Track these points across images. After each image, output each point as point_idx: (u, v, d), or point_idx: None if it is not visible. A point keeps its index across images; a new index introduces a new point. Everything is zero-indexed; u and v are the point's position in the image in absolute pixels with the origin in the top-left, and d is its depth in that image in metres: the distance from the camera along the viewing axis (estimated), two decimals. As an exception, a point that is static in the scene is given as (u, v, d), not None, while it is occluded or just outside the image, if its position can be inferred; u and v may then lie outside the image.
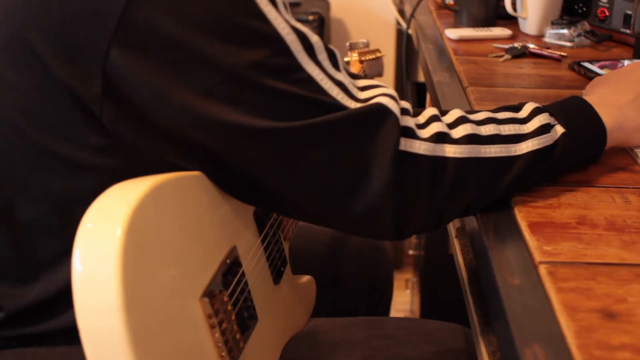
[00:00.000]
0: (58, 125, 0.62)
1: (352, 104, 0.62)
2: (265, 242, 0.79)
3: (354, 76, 0.66)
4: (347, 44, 1.26)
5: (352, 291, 1.12)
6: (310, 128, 0.60)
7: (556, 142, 0.67)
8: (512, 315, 0.53)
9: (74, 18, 0.57)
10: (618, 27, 1.23)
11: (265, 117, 0.59)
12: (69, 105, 0.60)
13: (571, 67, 1.10)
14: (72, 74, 0.58)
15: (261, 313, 0.73)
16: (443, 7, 1.52)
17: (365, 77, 1.23)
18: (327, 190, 0.62)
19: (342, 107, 0.61)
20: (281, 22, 0.60)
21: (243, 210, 0.73)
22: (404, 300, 2.08)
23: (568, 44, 1.23)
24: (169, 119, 0.59)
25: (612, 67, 1.06)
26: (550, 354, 0.48)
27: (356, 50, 1.26)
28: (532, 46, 1.20)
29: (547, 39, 1.26)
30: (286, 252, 0.88)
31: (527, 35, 1.33)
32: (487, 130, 0.66)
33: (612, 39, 1.25)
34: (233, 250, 0.68)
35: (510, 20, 1.36)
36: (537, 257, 0.59)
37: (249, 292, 0.70)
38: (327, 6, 2.14)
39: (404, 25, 1.55)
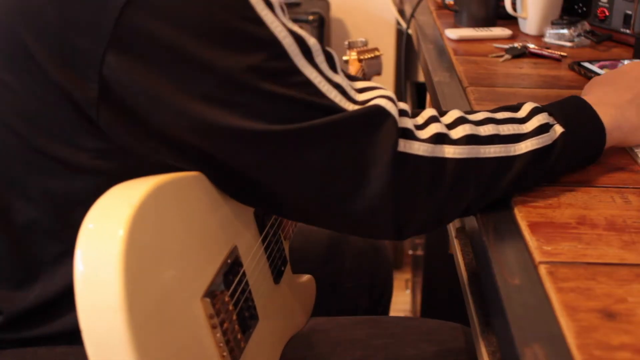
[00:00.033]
0: (55, 128, 0.62)
1: (350, 106, 0.62)
2: (266, 242, 0.79)
3: (351, 78, 0.66)
4: (346, 42, 1.26)
5: (351, 290, 1.12)
6: (308, 130, 0.60)
7: (555, 141, 0.68)
8: (512, 315, 0.53)
9: (71, 22, 0.57)
10: (618, 27, 1.23)
11: (263, 121, 0.59)
12: (66, 108, 0.60)
13: (571, 67, 1.10)
14: (69, 77, 0.58)
15: (262, 313, 0.74)
16: (443, 7, 1.52)
17: (364, 76, 1.24)
18: (326, 192, 0.62)
19: (340, 109, 0.61)
20: (278, 25, 0.60)
21: (243, 210, 0.73)
22: (404, 300, 2.08)
23: (568, 44, 1.23)
24: (166, 123, 0.59)
25: (612, 67, 1.07)
26: (550, 354, 0.48)
27: (355, 49, 1.26)
28: (532, 46, 1.20)
29: (547, 39, 1.26)
30: (286, 251, 0.88)
31: (527, 35, 1.33)
32: (486, 130, 0.66)
33: (612, 39, 1.25)
34: (234, 250, 0.68)
35: (510, 20, 1.36)
36: (537, 257, 0.59)
37: (249, 292, 0.70)
38: (327, 6, 2.14)
39: (404, 25, 1.56)
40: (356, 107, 0.62)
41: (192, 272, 0.60)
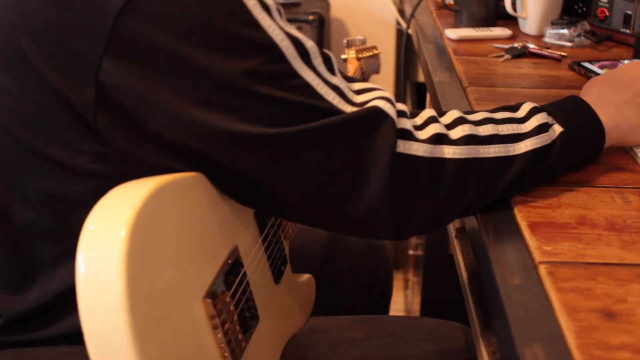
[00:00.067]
0: (52, 131, 0.62)
1: (348, 108, 0.62)
2: (266, 242, 0.79)
3: (349, 79, 0.66)
4: (344, 41, 1.26)
5: (351, 290, 1.12)
6: (306, 133, 0.60)
7: (554, 141, 0.68)
8: (512, 315, 0.53)
9: (67, 26, 0.57)
10: (618, 27, 1.23)
11: (260, 124, 0.59)
12: (63, 111, 0.60)
13: (571, 67, 1.10)
14: (65, 81, 0.58)
15: (262, 312, 0.74)
16: (443, 7, 1.52)
17: (363, 74, 1.24)
18: (325, 194, 0.62)
19: (338, 111, 0.61)
20: (275, 28, 0.60)
21: (244, 210, 0.73)
22: (404, 300, 2.08)
23: (568, 44, 1.23)
24: (164, 127, 0.59)
25: (612, 67, 1.07)
26: (550, 354, 0.48)
27: (353, 48, 1.25)
28: (532, 46, 1.20)
29: (547, 39, 1.26)
30: (286, 251, 0.88)
31: (527, 35, 1.33)
32: (486, 130, 0.66)
33: (612, 39, 1.25)
34: (235, 251, 0.68)
35: (510, 20, 1.36)
36: (537, 257, 0.59)
37: (250, 292, 0.71)
38: (327, 6, 2.14)
39: (404, 25, 1.56)
40: (354, 108, 0.62)
41: (193, 272, 0.60)
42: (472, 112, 0.70)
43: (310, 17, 1.95)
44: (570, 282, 0.55)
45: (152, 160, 0.61)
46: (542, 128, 0.68)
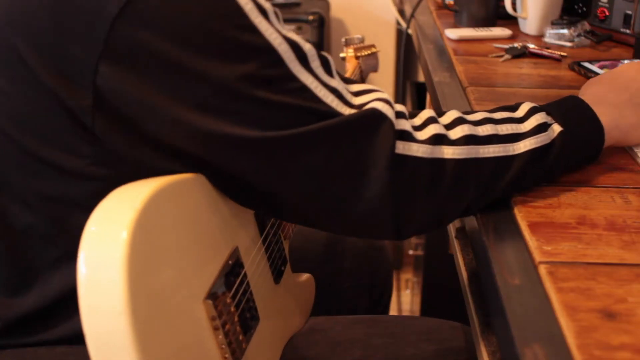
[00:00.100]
0: (49, 134, 0.62)
1: (347, 110, 0.62)
2: (266, 242, 0.79)
3: (347, 81, 0.66)
4: (343, 39, 1.26)
5: (351, 290, 1.12)
6: (304, 136, 0.60)
7: (553, 140, 0.68)
8: (512, 315, 0.53)
9: (63, 30, 0.57)
10: (618, 27, 1.23)
11: (259, 128, 0.59)
12: (60, 114, 0.60)
13: (571, 67, 1.10)
14: (62, 84, 0.58)
15: (263, 313, 0.74)
16: (443, 7, 1.52)
17: (362, 73, 1.23)
18: (324, 196, 0.63)
19: (336, 113, 0.61)
20: (272, 32, 0.59)
21: (244, 210, 0.73)
22: (403, 300, 2.08)
23: (568, 44, 1.23)
24: (162, 131, 0.59)
25: (612, 67, 1.06)
26: (550, 354, 0.48)
27: (352, 46, 1.25)
28: (532, 46, 1.20)
29: (547, 39, 1.26)
30: (286, 251, 0.88)
31: (527, 35, 1.33)
32: (485, 130, 0.66)
33: (612, 39, 1.25)
34: (235, 251, 0.68)
35: (510, 20, 1.36)
36: (537, 257, 0.59)
37: (250, 292, 0.70)
38: (327, 6, 2.14)
39: (404, 25, 1.56)
40: (352, 111, 0.62)
41: (194, 273, 0.60)
42: (471, 112, 0.70)
43: (310, 17, 1.95)
44: (570, 282, 0.55)
45: (150, 163, 0.61)
46: (541, 128, 0.68)
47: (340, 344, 0.87)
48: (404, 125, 0.63)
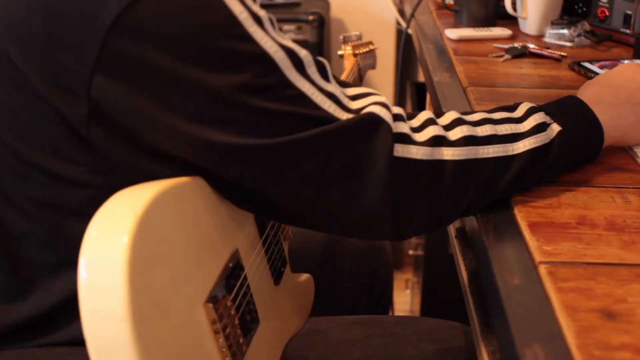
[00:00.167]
0: (43, 140, 0.61)
1: (344, 115, 0.62)
2: (266, 244, 0.79)
3: (344, 84, 0.66)
4: (341, 37, 1.26)
5: (351, 291, 1.11)
6: (302, 142, 0.60)
7: (553, 140, 0.68)
8: (512, 315, 0.53)
9: (55, 38, 0.57)
10: (618, 27, 1.23)
11: (255, 136, 0.59)
12: (54, 121, 0.60)
13: (571, 67, 1.10)
14: (56, 93, 0.58)
15: (263, 315, 0.74)
16: (443, 7, 1.52)
17: (360, 70, 1.23)
18: (323, 200, 0.63)
19: (334, 119, 0.61)
20: (268, 40, 0.59)
21: (243, 213, 0.73)
22: (404, 300, 2.08)
23: (568, 44, 1.23)
24: (158, 141, 0.59)
25: (612, 67, 1.06)
26: (550, 354, 0.48)
27: (349, 44, 1.25)
28: (532, 46, 1.20)
29: (547, 39, 1.26)
30: (286, 252, 0.88)
31: (527, 35, 1.33)
32: (484, 130, 0.66)
33: (612, 39, 1.25)
34: (235, 254, 0.68)
35: (510, 20, 1.36)
36: (537, 257, 0.59)
37: (251, 294, 0.70)
38: (327, 6, 2.14)
39: (404, 25, 1.55)
40: (350, 115, 0.62)
41: (194, 277, 0.60)
42: (470, 112, 0.70)
43: (310, 17, 1.95)
44: (570, 282, 0.55)
45: (147, 170, 0.61)
46: (540, 127, 0.68)
47: (340, 344, 0.87)
48: (402, 127, 0.63)
